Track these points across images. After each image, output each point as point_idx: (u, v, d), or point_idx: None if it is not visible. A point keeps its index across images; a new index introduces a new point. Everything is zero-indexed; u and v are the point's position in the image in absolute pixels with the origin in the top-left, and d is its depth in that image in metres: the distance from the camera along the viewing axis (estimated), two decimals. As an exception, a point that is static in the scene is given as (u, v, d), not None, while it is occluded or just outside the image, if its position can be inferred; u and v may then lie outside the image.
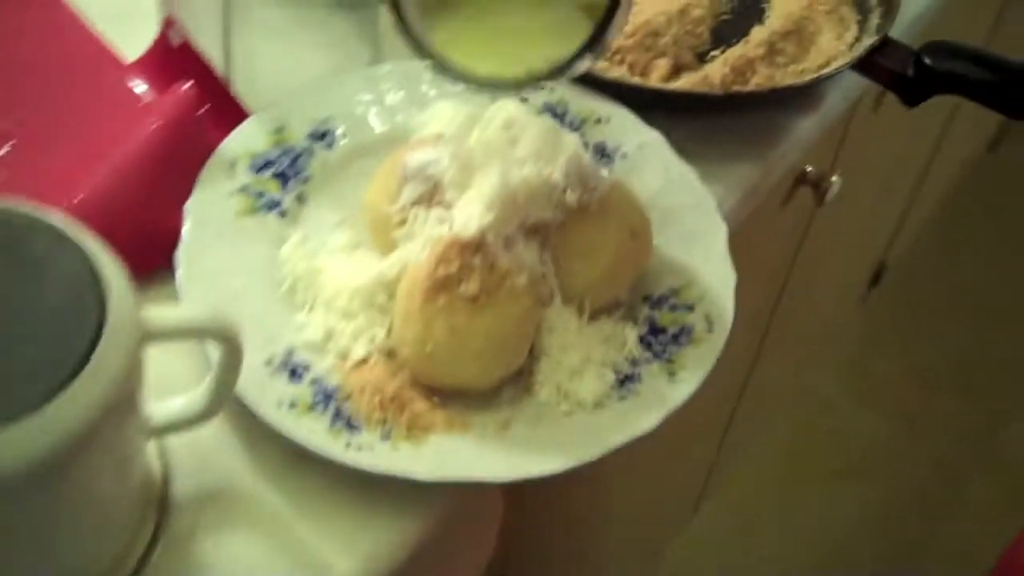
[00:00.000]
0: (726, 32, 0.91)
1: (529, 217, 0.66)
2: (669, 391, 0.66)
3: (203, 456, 0.64)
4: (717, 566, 1.77)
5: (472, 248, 0.63)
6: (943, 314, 2.14)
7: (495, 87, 0.64)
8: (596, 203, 0.67)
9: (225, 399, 0.61)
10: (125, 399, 0.53)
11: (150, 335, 0.55)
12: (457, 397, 0.66)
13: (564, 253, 0.67)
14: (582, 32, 0.61)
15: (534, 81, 0.63)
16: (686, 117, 0.83)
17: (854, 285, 1.91)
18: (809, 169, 1.04)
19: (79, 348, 0.49)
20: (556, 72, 0.62)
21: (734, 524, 1.81)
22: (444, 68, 0.63)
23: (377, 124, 0.78)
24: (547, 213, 0.66)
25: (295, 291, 0.69)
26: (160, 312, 0.56)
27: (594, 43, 0.60)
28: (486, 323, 0.63)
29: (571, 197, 0.66)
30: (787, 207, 1.07)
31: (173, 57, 0.76)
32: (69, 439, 0.49)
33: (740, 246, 0.74)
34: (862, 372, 2.03)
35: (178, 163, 0.71)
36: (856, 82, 0.89)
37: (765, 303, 1.31)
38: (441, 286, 0.62)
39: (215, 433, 0.64)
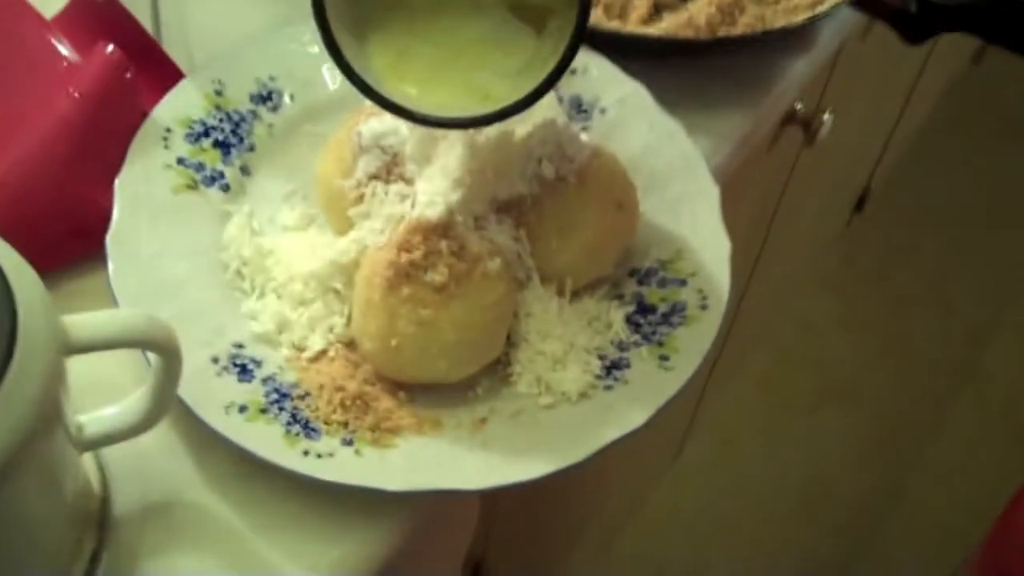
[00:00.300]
0: (710, -35, 0.84)
1: (501, 192, 0.60)
2: (661, 379, 0.60)
3: (146, 465, 0.58)
4: (701, 500, 1.74)
5: (438, 231, 0.56)
6: (923, 235, 2.10)
7: (455, 124, 0.56)
8: (575, 173, 0.60)
9: (166, 408, 0.54)
10: (45, 418, 0.47)
11: (71, 348, 0.49)
12: (427, 390, 0.59)
13: (541, 229, 0.60)
14: (522, 38, 0.55)
15: (501, 116, 0.54)
16: (669, 63, 0.76)
17: (838, 211, 1.85)
18: (799, 107, 0.97)
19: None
20: (528, 100, 0.54)
21: (717, 456, 1.78)
22: (386, 103, 0.54)
23: (329, 81, 0.71)
24: (521, 187, 0.60)
25: (242, 276, 0.62)
26: (83, 321, 0.49)
27: (568, 60, 0.53)
28: (456, 314, 0.56)
29: (547, 169, 0.60)
30: (774, 149, 1.00)
31: (96, 12, 0.68)
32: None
33: (724, 195, 0.68)
34: (844, 296, 1.99)
35: (104, 135, 0.63)
36: (849, 15, 0.82)
37: (751, 242, 1.25)
38: (405, 274, 0.56)
39: (159, 439, 0.58)
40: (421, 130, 0.59)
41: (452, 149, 0.58)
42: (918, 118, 1.91)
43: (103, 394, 0.54)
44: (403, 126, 0.60)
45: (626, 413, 0.58)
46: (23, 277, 0.47)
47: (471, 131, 0.59)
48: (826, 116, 0.98)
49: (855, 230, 1.99)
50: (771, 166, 1.07)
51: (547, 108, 0.66)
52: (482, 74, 0.57)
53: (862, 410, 1.86)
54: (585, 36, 0.53)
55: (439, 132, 0.59)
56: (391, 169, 0.60)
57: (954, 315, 2.00)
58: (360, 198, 0.60)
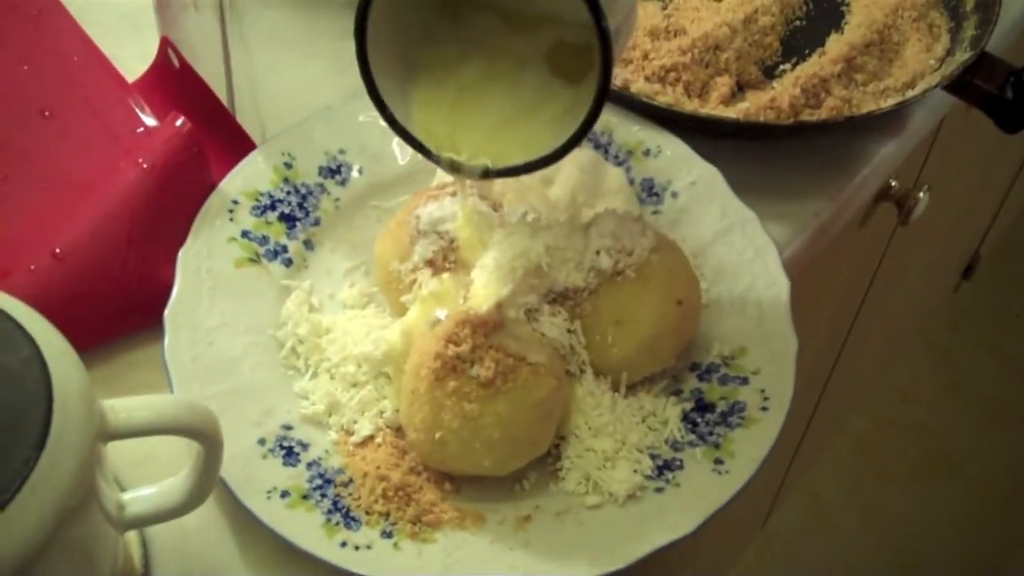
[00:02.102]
0: (799, 41, 0.82)
1: (556, 284, 0.58)
2: (714, 484, 0.57)
3: (189, 544, 0.58)
4: (792, 566, 1.69)
5: (486, 326, 0.55)
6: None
7: (488, 174, 0.56)
8: (634, 267, 0.58)
9: (207, 491, 0.54)
10: (78, 504, 0.47)
11: (109, 435, 0.49)
12: (474, 481, 0.58)
13: (597, 323, 0.59)
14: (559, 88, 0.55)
15: (536, 165, 0.55)
16: (750, 144, 0.74)
17: (944, 278, 1.79)
18: (893, 184, 0.94)
19: (19, 460, 0.43)
20: (560, 152, 0.53)
21: (809, 522, 1.73)
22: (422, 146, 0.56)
23: (399, 156, 0.70)
24: (577, 279, 0.58)
25: (297, 354, 0.62)
26: (122, 407, 0.49)
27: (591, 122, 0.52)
28: (501, 410, 0.55)
29: (605, 262, 0.58)
30: (867, 224, 0.97)
31: (172, 80, 0.69)
32: (15, 557, 0.43)
33: (814, 270, 0.64)
34: (949, 363, 1.92)
35: (170, 208, 0.64)
36: (945, 98, 0.79)
37: (845, 310, 1.21)
38: (451, 368, 0.54)
39: (202, 518, 0.58)
40: (477, 216, 0.58)
41: (508, 240, 0.57)
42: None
43: (157, 466, 0.54)
44: (460, 212, 0.59)
45: (675, 519, 0.56)
46: (64, 362, 0.47)
47: (527, 219, 0.58)
48: (921, 195, 0.94)
49: (963, 296, 1.92)
50: (865, 240, 1.03)
51: (615, 194, 0.65)
52: (530, 125, 0.57)
53: (964, 482, 1.80)
54: (607, 94, 0.52)
55: (495, 219, 0.59)
56: (447, 255, 0.59)
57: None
58: (415, 283, 0.60)
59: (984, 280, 1.90)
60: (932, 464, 1.81)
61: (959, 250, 1.73)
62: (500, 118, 0.57)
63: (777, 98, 0.74)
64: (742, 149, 0.72)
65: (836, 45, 0.79)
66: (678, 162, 0.70)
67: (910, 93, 0.74)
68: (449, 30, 0.58)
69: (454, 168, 0.56)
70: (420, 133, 0.57)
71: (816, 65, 0.76)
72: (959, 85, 0.74)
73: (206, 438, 0.51)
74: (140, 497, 0.54)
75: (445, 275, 0.58)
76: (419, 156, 0.68)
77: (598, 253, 0.58)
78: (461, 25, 0.58)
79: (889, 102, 0.74)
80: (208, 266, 0.63)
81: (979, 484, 1.79)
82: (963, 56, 0.75)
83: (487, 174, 0.56)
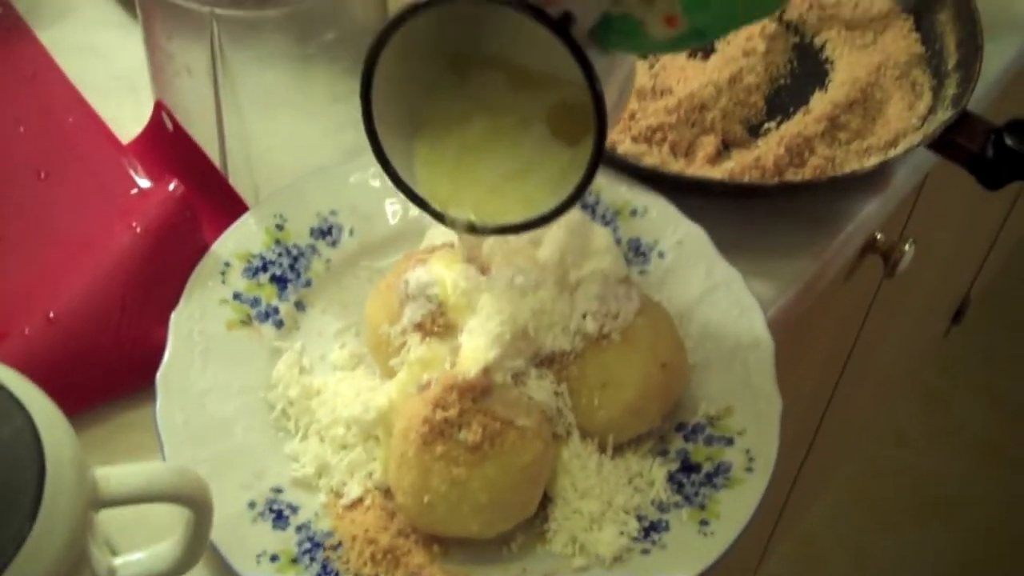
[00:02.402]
0: (783, 99, 0.83)
1: (543, 348, 0.59)
2: (700, 545, 0.58)
3: (180, 607, 0.58)
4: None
5: (474, 391, 0.55)
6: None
7: (486, 231, 0.58)
8: (619, 331, 0.59)
9: (197, 556, 0.55)
10: (70, 571, 0.47)
11: (101, 503, 0.49)
12: (462, 544, 0.59)
13: (583, 385, 0.60)
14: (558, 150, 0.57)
15: (534, 224, 0.56)
16: (735, 202, 0.75)
17: (934, 323, 1.80)
18: (879, 237, 0.95)
19: (13, 529, 0.44)
20: (556, 212, 0.55)
21: (804, 568, 1.72)
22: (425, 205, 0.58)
23: (390, 217, 0.71)
24: (564, 343, 0.59)
25: (288, 416, 0.63)
26: (114, 475, 0.50)
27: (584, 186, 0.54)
28: (490, 474, 0.55)
29: (591, 325, 0.59)
30: (853, 278, 0.98)
31: (166, 142, 0.70)
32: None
33: (800, 324, 0.65)
34: (941, 407, 1.92)
35: (163, 271, 0.65)
36: (929, 155, 0.80)
37: (834, 361, 1.22)
38: (439, 432, 0.55)
39: (194, 579, 0.58)
40: (464, 281, 0.59)
41: (495, 304, 0.58)
42: (1021, 226, 1.85)
43: (148, 530, 0.55)
44: (448, 276, 0.60)
45: (660, 581, 0.56)
46: (56, 431, 0.48)
47: (515, 283, 0.59)
48: (907, 247, 0.95)
49: (953, 340, 1.93)
50: (851, 293, 1.04)
51: (602, 254, 0.66)
52: (527, 185, 0.58)
53: (960, 526, 1.79)
54: (601, 161, 0.53)
55: (483, 283, 0.60)
56: (435, 319, 0.60)
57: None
58: (404, 345, 0.60)
59: (974, 324, 1.91)
60: (926, 508, 1.81)
61: (947, 297, 1.74)
62: (501, 176, 0.59)
63: (762, 157, 0.75)
64: (727, 208, 0.73)
65: (820, 104, 0.80)
66: (664, 222, 0.71)
67: (893, 152, 0.75)
68: (454, 86, 0.59)
69: (455, 226, 0.57)
70: (423, 189, 0.58)
71: (800, 124, 0.78)
72: (941, 143, 0.76)
73: (197, 505, 0.52)
74: (131, 562, 0.55)
75: (432, 340, 0.59)
76: (409, 216, 0.69)
77: (584, 317, 0.59)
78: (466, 82, 0.60)
79: (872, 161, 0.75)
80: (200, 328, 0.64)
81: (974, 527, 1.79)
82: (945, 114, 0.76)
83: (484, 231, 0.57)
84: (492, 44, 0.59)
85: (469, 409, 0.55)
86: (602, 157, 0.53)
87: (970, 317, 1.86)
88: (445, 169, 0.59)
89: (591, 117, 0.52)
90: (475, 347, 0.57)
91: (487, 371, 0.56)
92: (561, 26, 0.49)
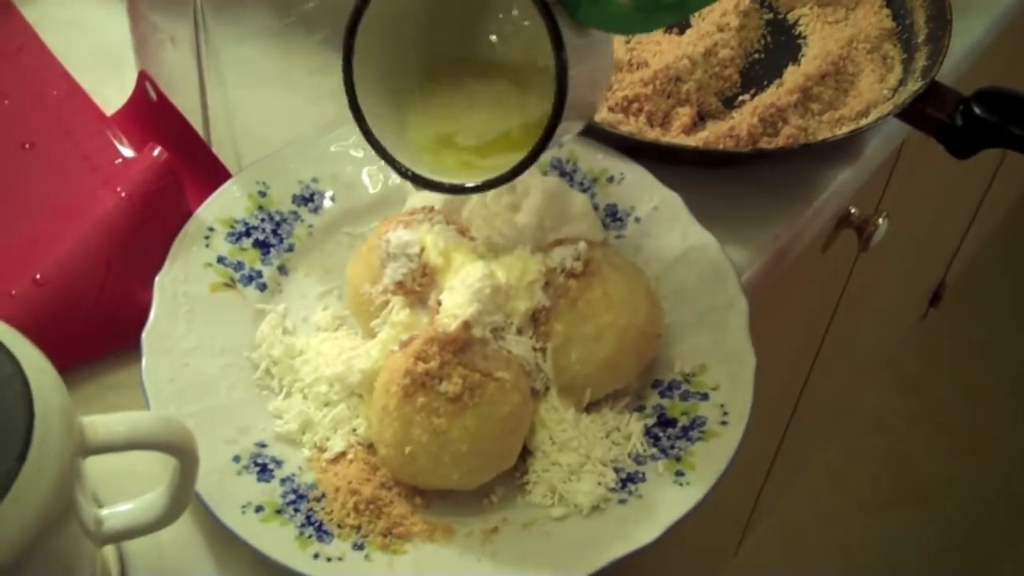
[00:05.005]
0: (758, 72, 0.84)
1: (521, 305, 0.60)
2: (675, 495, 0.59)
3: (166, 558, 0.60)
4: (765, 596, 1.71)
5: (454, 344, 0.57)
6: (1003, 328, 2.04)
7: (453, 190, 0.58)
8: (598, 288, 0.61)
9: (183, 506, 0.56)
10: (58, 516, 0.48)
11: (88, 450, 0.50)
12: (444, 496, 0.60)
13: (561, 341, 0.61)
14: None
15: (488, 186, 0.57)
16: (711, 171, 0.76)
17: (911, 306, 1.82)
18: (853, 211, 0.96)
19: (1, 472, 0.45)
20: (513, 172, 0.56)
21: (783, 550, 1.74)
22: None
23: (370, 185, 0.72)
24: (543, 299, 0.60)
25: (271, 375, 0.64)
26: (101, 423, 0.51)
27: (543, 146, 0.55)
28: (470, 425, 0.57)
29: (571, 283, 0.60)
30: (830, 251, 0.99)
31: (150, 112, 0.71)
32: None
33: (776, 294, 0.66)
34: (919, 392, 1.94)
35: (147, 235, 0.66)
36: (900, 126, 0.82)
37: (811, 336, 1.24)
38: (420, 384, 0.56)
39: (179, 532, 0.59)
40: (443, 240, 0.61)
41: (475, 259, 0.60)
42: (997, 212, 1.88)
43: (135, 483, 0.56)
44: (428, 237, 0.61)
45: (636, 529, 0.58)
46: (44, 379, 0.49)
47: (493, 242, 0.60)
48: (880, 221, 0.97)
49: (931, 324, 1.95)
50: (827, 266, 1.06)
51: (581, 218, 0.68)
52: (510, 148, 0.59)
53: (937, 510, 1.81)
54: (560, 121, 0.54)
55: (463, 243, 0.61)
56: (416, 278, 0.61)
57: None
58: (385, 305, 0.62)
59: (951, 309, 1.93)
60: (904, 492, 1.83)
61: (925, 278, 1.76)
62: (486, 138, 0.60)
63: (736, 127, 0.76)
64: (703, 177, 0.75)
65: (793, 76, 0.81)
66: (640, 188, 0.72)
67: (864, 121, 0.77)
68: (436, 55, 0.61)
69: (425, 184, 0.58)
70: (410, 148, 0.59)
71: (774, 95, 0.79)
72: (911, 113, 0.77)
73: (182, 453, 0.53)
74: (117, 512, 0.56)
75: (416, 307, 0.61)
76: (390, 185, 0.71)
77: (563, 275, 0.61)
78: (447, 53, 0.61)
79: (843, 130, 0.77)
80: (185, 290, 0.65)
81: (951, 512, 1.81)
82: (915, 86, 0.78)
83: (460, 190, 0.58)
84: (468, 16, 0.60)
85: (449, 361, 0.56)
86: (560, 117, 0.54)
87: (947, 303, 1.88)
88: (430, 134, 0.60)
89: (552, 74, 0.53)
90: (455, 303, 0.58)
91: (467, 325, 0.57)
92: None
